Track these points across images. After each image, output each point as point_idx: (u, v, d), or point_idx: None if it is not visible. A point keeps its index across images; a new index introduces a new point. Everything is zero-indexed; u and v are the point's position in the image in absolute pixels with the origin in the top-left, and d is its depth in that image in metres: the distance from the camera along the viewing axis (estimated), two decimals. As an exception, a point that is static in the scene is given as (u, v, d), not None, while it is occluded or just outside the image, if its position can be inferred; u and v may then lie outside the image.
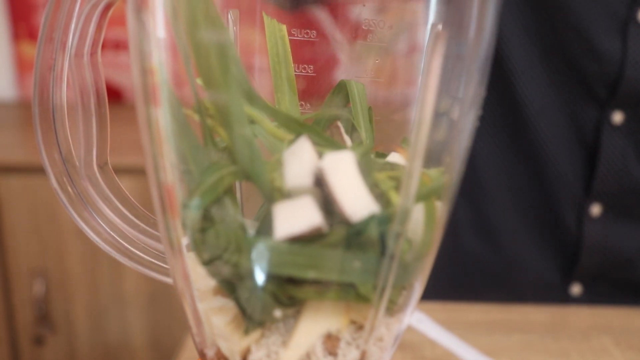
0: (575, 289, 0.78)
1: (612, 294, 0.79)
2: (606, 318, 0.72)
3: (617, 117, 0.69)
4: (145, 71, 0.25)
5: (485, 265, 0.79)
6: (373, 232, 0.25)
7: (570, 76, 0.68)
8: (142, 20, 0.25)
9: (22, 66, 1.58)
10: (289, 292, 0.26)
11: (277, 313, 0.27)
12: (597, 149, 0.70)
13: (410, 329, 0.65)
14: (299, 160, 0.26)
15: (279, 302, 0.27)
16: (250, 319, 0.27)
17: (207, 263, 0.27)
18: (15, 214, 1.25)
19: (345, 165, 0.26)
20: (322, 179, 0.25)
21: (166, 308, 1.31)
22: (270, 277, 0.26)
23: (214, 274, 0.27)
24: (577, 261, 0.75)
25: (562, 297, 0.79)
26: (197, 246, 0.27)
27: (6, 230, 1.26)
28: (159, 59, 0.25)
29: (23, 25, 1.56)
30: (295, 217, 0.25)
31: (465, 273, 0.80)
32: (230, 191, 0.27)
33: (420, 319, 0.63)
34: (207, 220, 0.27)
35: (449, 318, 0.71)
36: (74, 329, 1.33)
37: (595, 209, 0.73)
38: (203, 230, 0.27)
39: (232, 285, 0.27)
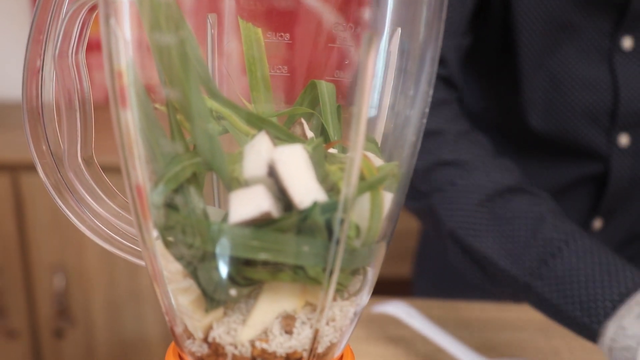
0: (597, 224, 0.79)
1: (630, 229, 0.80)
2: (599, 317, 0.73)
3: (627, 43, 0.69)
4: (114, 73, 0.28)
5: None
6: (317, 218, 0.27)
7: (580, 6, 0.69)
8: (111, 25, 0.27)
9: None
10: (244, 274, 0.29)
11: (233, 292, 0.29)
12: (615, 77, 0.70)
13: (402, 325, 0.67)
14: (257, 153, 0.29)
15: (235, 283, 0.29)
16: (210, 299, 0.29)
17: (172, 247, 0.30)
18: (37, 211, 1.30)
19: (295, 157, 0.28)
20: (274, 170, 0.28)
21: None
22: (228, 259, 0.28)
23: (178, 257, 0.30)
24: (603, 194, 0.76)
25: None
26: (163, 233, 0.30)
27: (28, 226, 1.31)
28: (127, 61, 0.28)
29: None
30: (247, 203, 0.27)
31: None
32: (195, 181, 0.30)
33: (411, 315, 0.65)
34: (172, 207, 0.29)
35: (443, 315, 0.73)
36: (93, 322, 1.37)
37: (624, 139, 0.73)
38: (169, 217, 0.29)
39: (194, 267, 0.29)
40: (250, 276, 0.29)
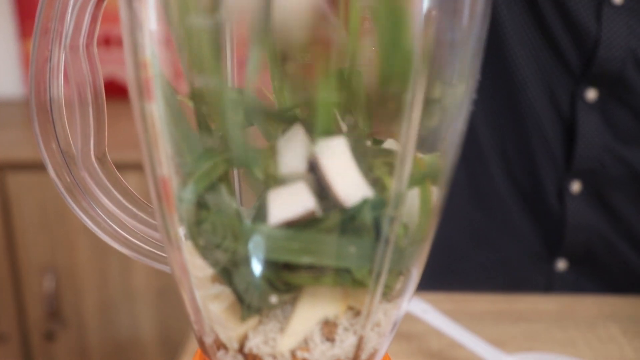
0: (561, 265, 0.78)
1: (597, 275, 0.78)
2: (613, 307, 0.71)
3: (591, 94, 0.69)
4: (139, 64, 0.25)
5: (475, 227, 0.79)
6: (366, 216, 0.25)
7: (548, 47, 0.69)
8: (134, 11, 0.25)
9: (29, 64, 1.59)
10: (284, 278, 0.27)
11: (273, 299, 0.27)
12: (574, 125, 0.71)
13: (415, 320, 0.65)
14: (293, 148, 0.26)
15: (275, 288, 0.27)
16: (247, 306, 0.27)
17: (203, 250, 0.27)
18: (25, 211, 1.26)
19: (339, 151, 0.26)
20: (316, 165, 0.25)
21: (175, 303, 1.32)
22: (266, 263, 0.26)
23: (210, 261, 0.27)
24: (562, 237, 0.75)
25: (548, 271, 0.79)
26: (193, 234, 0.27)
27: (16, 227, 1.27)
28: (152, 51, 0.25)
29: (30, 23, 1.56)
30: (289, 202, 0.25)
31: (453, 233, 0.79)
32: (225, 178, 0.27)
33: (425, 309, 0.63)
34: (202, 207, 0.27)
35: (455, 308, 0.71)
36: (85, 324, 1.34)
37: (575, 186, 0.73)
38: (199, 218, 0.27)
39: (228, 272, 0.27)
40: (290, 281, 0.27)
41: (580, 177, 0.72)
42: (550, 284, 0.79)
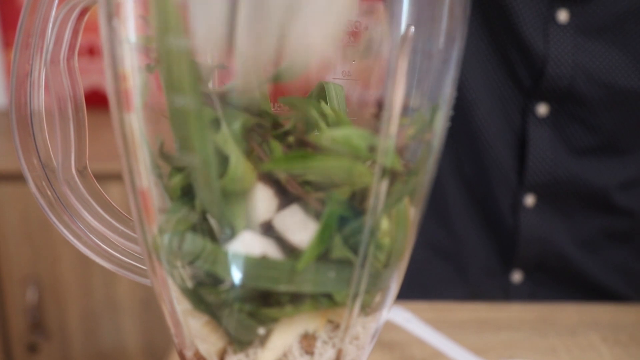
0: (516, 277, 0.79)
1: (552, 285, 0.79)
2: (593, 314, 0.72)
3: (542, 109, 0.70)
4: (118, 76, 0.26)
5: (432, 240, 0.80)
6: (339, 252, 0.25)
7: (499, 63, 0.70)
8: (114, 27, 0.25)
9: (12, 73, 1.58)
10: (265, 314, 0.27)
11: (261, 331, 0.27)
12: (526, 140, 0.72)
13: (398, 329, 0.65)
14: (257, 210, 0.26)
15: (260, 322, 0.27)
16: (237, 340, 0.27)
17: (188, 294, 0.28)
18: (7, 222, 1.25)
19: (295, 219, 0.26)
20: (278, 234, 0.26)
21: (159, 313, 1.31)
22: (247, 297, 0.26)
23: (195, 304, 0.28)
24: (516, 249, 0.76)
25: (503, 283, 0.80)
26: (174, 272, 0.28)
27: (-2, 238, 1.26)
28: (132, 64, 0.26)
29: (13, 33, 1.56)
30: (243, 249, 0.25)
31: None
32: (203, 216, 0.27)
33: (407, 318, 0.63)
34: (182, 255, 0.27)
35: (437, 317, 0.72)
36: (68, 335, 1.33)
37: (529, 200, 0.74)
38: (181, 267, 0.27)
39: (212, 309, 0.27)
40: (273, 315, 0.27)
41: (533, 190, 0.73)
42: (507, 296, 0.80)
